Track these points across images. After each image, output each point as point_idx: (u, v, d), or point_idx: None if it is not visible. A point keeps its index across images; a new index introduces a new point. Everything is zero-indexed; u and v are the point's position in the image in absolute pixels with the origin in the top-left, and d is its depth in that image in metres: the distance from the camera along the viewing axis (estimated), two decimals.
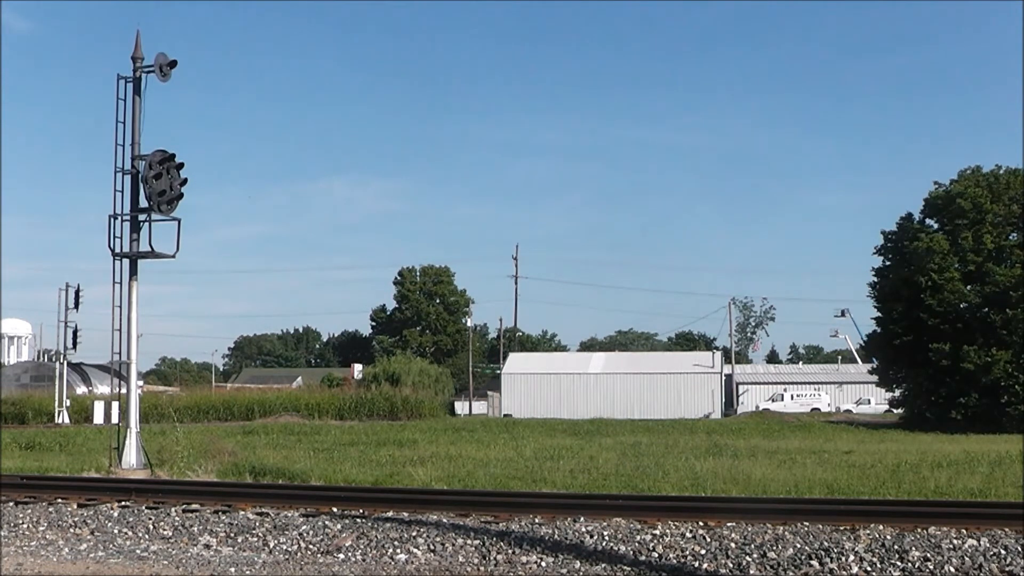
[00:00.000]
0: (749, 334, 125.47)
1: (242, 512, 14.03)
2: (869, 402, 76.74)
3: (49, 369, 68.14)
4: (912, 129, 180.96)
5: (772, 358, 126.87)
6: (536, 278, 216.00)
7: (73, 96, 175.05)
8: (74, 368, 68.08)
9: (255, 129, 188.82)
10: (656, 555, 11.19)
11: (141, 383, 37.61)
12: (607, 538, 11.85)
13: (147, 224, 20.66)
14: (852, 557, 10.74)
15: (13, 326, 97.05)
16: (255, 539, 12.42)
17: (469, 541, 11.80)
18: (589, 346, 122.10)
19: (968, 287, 54.42)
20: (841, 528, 12.01)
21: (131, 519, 13.78)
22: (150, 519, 13.71)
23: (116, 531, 13.18)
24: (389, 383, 69.87)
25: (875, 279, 59.09)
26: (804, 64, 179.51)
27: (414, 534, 12.19)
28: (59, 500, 15.50)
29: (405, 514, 13.51)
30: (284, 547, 12.03)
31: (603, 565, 10.85)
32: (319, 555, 11.70)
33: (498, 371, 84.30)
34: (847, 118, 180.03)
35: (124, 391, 21.43)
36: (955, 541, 11.22)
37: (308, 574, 10.71)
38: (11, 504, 15.14)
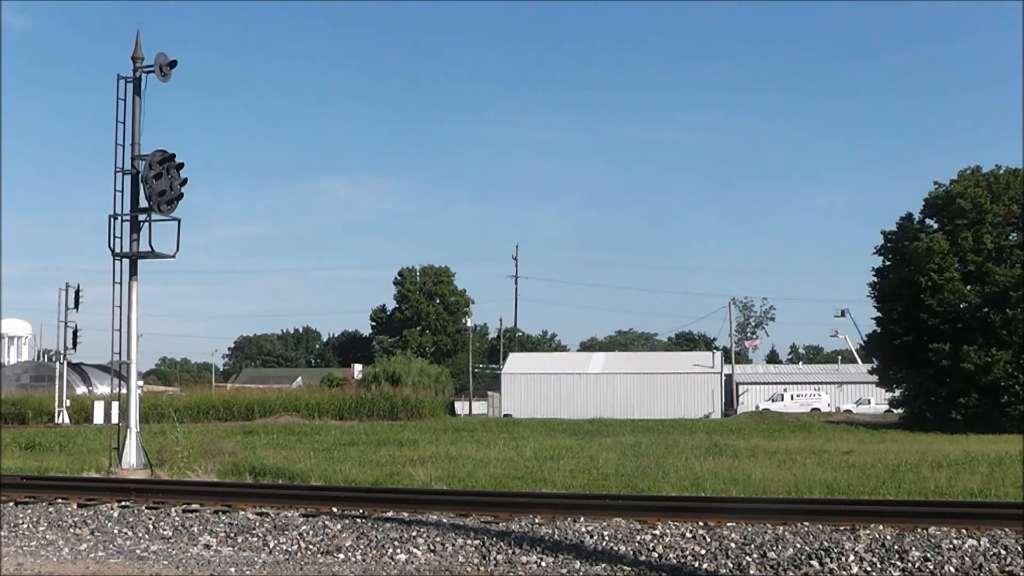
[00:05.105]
0: (749, 333, 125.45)
1: (242, 512, 14.02)
2: (869, 402, 76.75)
3: (49, 369, 68.13)
4: (912, 129, 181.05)
5: (772, 358, 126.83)
6: (536, 278, 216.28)
7: (73, 96, 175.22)
8: (74, 368, 67.99)
9: (255, 129, 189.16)
10: (656, 555, 11.19)
11: (141, 383, 37.61)
12: (607, 538, 11.85)
13: (147, 224, 20.66)
14: (852, 557, 10.74)
15: (13, 326, 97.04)
16: (255, 539, 12.42)
17: (469, 541, 11.80)
18: (589, 346, 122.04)
19: (968, 287, 54.41)
20: (841, 528, 12.00)
21: (131, 519, 13.77)
22: (150, 519, 13.71)
23: (116, 531, 13.18)
24: (389, 383, 69.85)
25: (875, 279, 59.10)
26: (804, 64, 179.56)
27: (414, 534, 12.18)
28: (59, 500, 15.49)
29: (405, 514, 13.50)
30: (284, 547, 12.03)
31: (603, 565, 10.85)
32: (319, 555, 11.70)
33: (498, 371, 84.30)
34: (847, 118, 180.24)
35: (124, 391, 21.43)
36: (955, 541, 11.22)
37: (308, 574, 10.71)
38: (11, 504, 15.13)
